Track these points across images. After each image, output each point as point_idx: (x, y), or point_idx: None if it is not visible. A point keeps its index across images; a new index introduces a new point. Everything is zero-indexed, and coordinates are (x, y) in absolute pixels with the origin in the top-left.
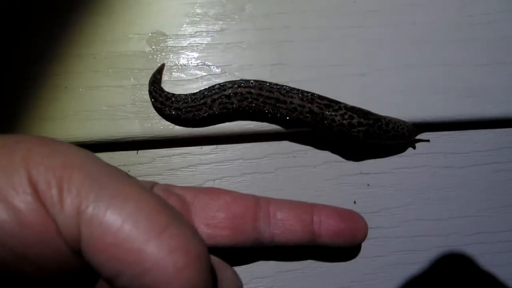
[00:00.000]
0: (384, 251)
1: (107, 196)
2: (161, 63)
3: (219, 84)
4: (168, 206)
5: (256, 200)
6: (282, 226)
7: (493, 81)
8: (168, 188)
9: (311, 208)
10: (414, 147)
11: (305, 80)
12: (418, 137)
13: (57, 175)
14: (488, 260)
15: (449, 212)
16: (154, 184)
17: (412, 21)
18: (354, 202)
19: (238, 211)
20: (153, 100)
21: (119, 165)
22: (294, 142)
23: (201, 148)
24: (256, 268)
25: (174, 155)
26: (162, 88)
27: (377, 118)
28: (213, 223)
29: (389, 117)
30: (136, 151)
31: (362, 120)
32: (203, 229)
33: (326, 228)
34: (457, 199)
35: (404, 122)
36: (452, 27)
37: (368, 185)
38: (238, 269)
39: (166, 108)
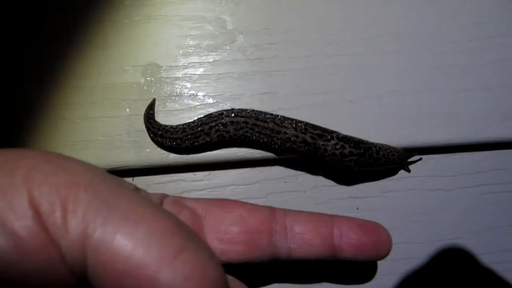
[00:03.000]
0: (372, 274)
1: (116, 219)
2: (156, 93)
3: (217, 112)
4: (182, 226)
5: (272, 213)
6: (300, 241)
7: (478, 105)
8: (179, 201)
9: (331, 220)
10: (408, 170)
11: (294, 108)
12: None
13: (62, 195)
14: (476, 282)
15: (437, 235)
16: (164, 196)
17: (397, 49)
18: None
19: (253, 225)
20: (152, 135)
21: None
22: (285, 167)
23: (194, 175)
24: None
25: (168, 181)
26: (158, 122)
27: (368, 147)
28: (227, 237)
29: (379, 144)
30: (132, 178)
31: (353, 150)
32: (216, 245)
33: (347, 242)
34: (445, 221)
35: (394, 148)
36: (437, 54)
37: (357, 208)
38: None
39: (166, 140)
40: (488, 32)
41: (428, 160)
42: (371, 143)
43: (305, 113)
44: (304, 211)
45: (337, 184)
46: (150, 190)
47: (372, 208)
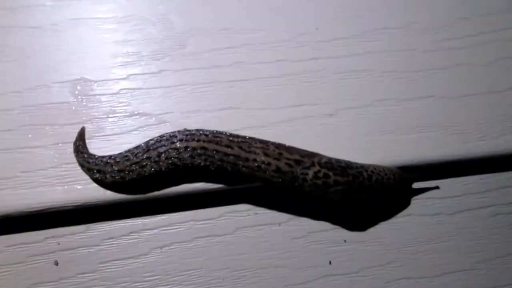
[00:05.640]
0: None
1: None
2: (88, 114)
3: (168, 134)
4: None
5: None
6: None
7: (483, 113)
8: None
9: None
10: (409, 196)
11: (262, 125)
12: (423, 184)
13: None
14: None
15: (441, 267)
16: None
17: (385, 47)
18: (330, 263)
19: None
20: (88, 172)
21: (46, 237)
22: (254, 195)
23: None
24: None
25: (112, 222)
26: (92, 155)
27: (358, 172)
28: None
29: (372, 166)
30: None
31: (339, 178)
32: None
33: None
34: (449, 251)
35: (390, 169)
36: (432, 52)
37: (344, 241)
38: None
39: (107, 175)
40: (490, 25)
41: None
42: (361, 166)
43: (276, 132)
44: None
45: (319, 213)
46: (90, 233)
47: (362, 239)
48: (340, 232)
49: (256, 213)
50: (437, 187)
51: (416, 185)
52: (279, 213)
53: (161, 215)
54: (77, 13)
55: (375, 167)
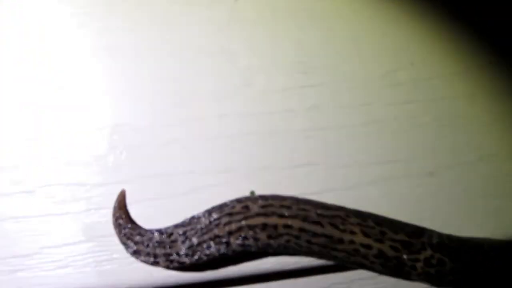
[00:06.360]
0: None
1: None
2: (129, 170)
3: (238, 204)
4: None
5: None
6: None
7: None
8: None
9: None
10: None
11: (346, 187)
12: None
13: None
14: None
15: None
16: None
17: (495, 88)
18: None
19: None
20: (135, 255)
21: None
22: (330, 271)
23: None
24: None
25: None
26: (139, 229)
27: (475, 253)
28: None
29: (486, 242)
30: None
31: (455, 264)
32: None
33: None
34: None
35: (508, 244)
36: None
37: None
38: None
39: (160, 259)
40: None
41: None
42: (477, 244)
43: (363, 195)
44: None
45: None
46: None
47: None
48: None
49: None
50: None
51: None
52: None
53: None
54: None
55: (489, 243)
